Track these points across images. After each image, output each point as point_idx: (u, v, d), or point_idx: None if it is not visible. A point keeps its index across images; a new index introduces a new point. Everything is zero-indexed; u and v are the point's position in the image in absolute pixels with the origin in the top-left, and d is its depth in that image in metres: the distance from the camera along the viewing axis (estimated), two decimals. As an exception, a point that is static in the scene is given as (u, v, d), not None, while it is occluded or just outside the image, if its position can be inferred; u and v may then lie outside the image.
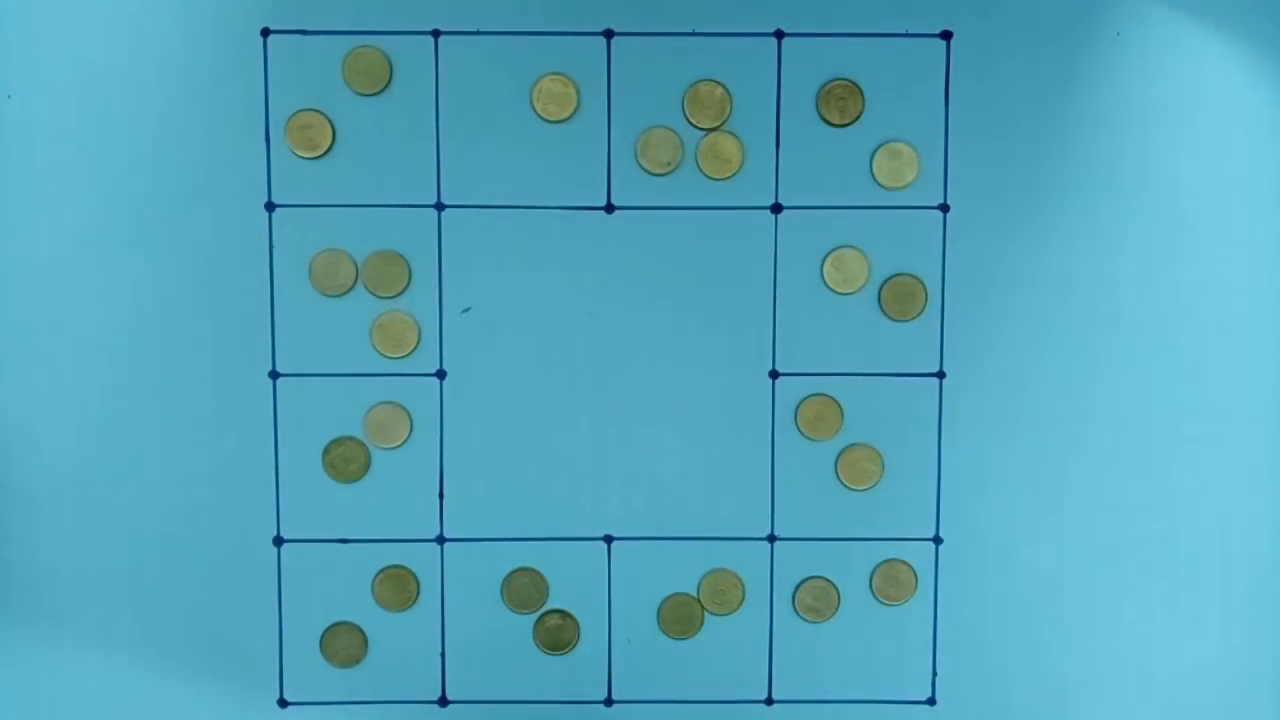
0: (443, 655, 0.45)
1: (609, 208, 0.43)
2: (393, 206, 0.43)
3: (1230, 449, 0.44)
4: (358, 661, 0.44)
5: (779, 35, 0.43)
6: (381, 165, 0.43)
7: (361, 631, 0.44)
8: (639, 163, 0.43)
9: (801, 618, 0.45)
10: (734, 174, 0.43)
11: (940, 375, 0.44)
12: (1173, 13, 0.43)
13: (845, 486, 0.44)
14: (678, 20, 0.43)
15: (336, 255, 0.43)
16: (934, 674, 0.45)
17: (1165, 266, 0.44)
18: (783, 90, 0.43)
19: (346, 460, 0.44)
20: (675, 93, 0.43)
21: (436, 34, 0.43)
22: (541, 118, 0.43)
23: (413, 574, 0.44)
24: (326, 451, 0.44)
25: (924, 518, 0.44)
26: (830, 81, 0.43)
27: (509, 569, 0.44)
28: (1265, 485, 0.44)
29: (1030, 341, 0.44)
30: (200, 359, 0.43)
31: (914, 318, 0.44)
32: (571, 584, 0.44)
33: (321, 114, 0.43)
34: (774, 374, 0.44)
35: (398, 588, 0.44)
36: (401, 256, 0.43)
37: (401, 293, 0.43)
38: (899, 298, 0.44)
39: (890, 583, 0.45)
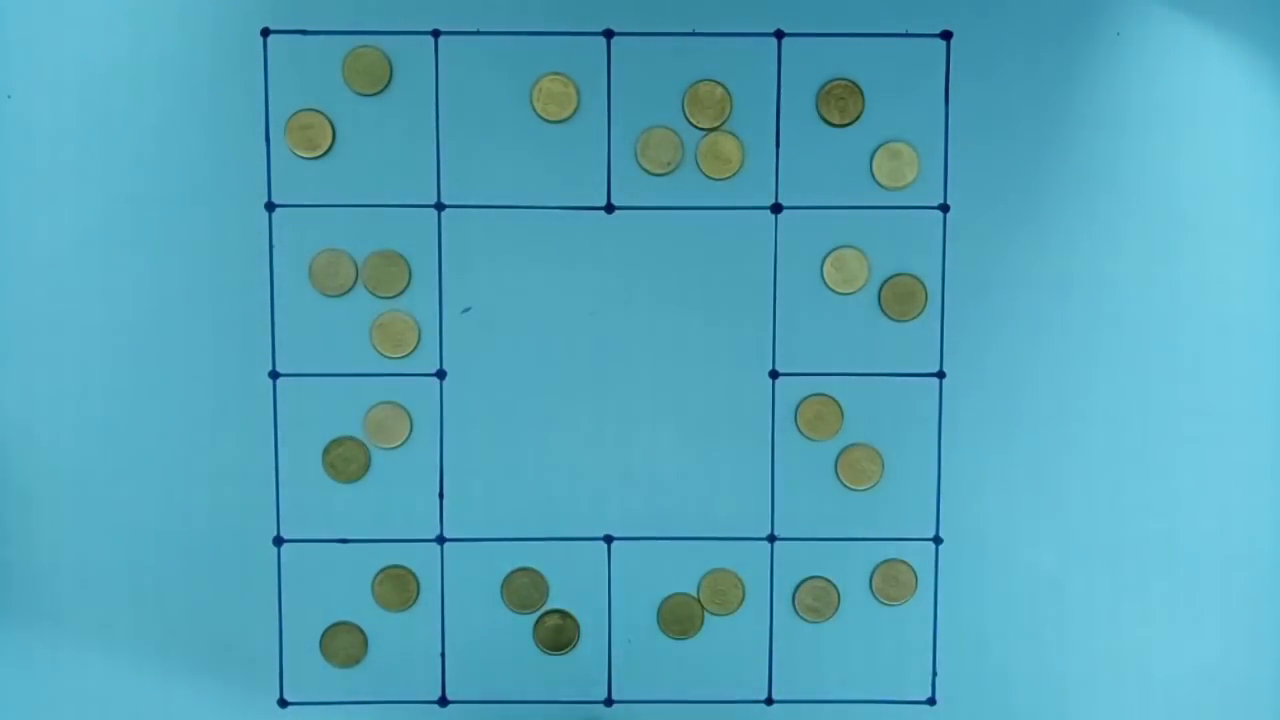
0: (443, 655, 0.45)
1: (609, 208, 0.43)
2: (393, 206, 0.43)
3: (1230, 449, 0.44)
4: (358, 661, 0.44)
5: (779, 35, 0.43)
6: (381, 165, 0.43)
7: (361, 631, 0.44)
8: (639, 163, 0.43)
9: (801, 618, 0.45)
10: (734, 174, 0.43)
11: (940, 375, 0.44)
12: (1173, 13, 0.43)
13: (845, 486, 0.44)
14: (678, 20, 0.43)
15: (336, 255, 0.43)
16: (934, 674, 0.45)
17: (1165, 266, 0.44)
18: (783, 90, 0.43)
19: (346, 460, 0.44)
20: (675, 93, 0.43)
21: (436, 34, 0.43)
22: (541, 118, 0.43)
23: (413, 574, 0.44)
24: (326, 451, 0.44)
25: (924, 518, 0.44)
26: (830, 81, 0.43)
27: (509, 569, 0.44)
28: (1265, 485, 0.44)
29: (1030, 341, 0.44)
30: (200, 359, 0.43)
31: (914, 318, 0.44)
32: (571, 584, 0.44)
33: (321, 114, 0.43)
34: (774, 374, 0.44)
35: (398, 588, 0.44)
36: (401, 256, 0.43)
37: (401, 293, 0.43)
38: (899, 298, 0.44)
39: (890, 583, 0.45)
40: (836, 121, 0.43)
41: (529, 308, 0.43)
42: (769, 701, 0.45)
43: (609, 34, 0.43)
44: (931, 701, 0.45)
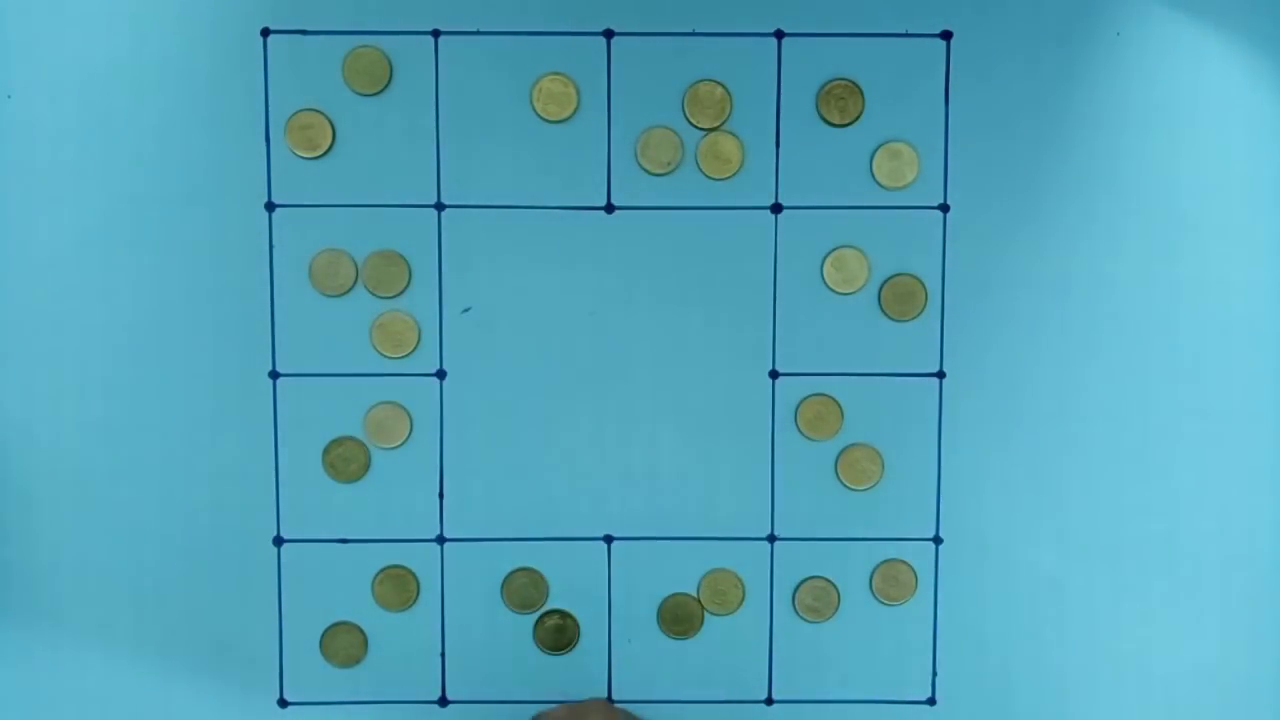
0: (443, 655, 0.45)
1: (609, 208, 0.43)
2: (393, 206, 0.43)
3: (1230, 449, 0.44)
4: (358, 661, 0.44)
5: (779, 35, 0.43)
6: (381, 165, 0.43)
7: (361, 631, 0.44)
8: (639, 163, 0.43)
9: (801, 618, 0.45)
10: (734, 174, 0.43)
11: (940, 375, 0.44)
12: (1173, 13, 0.43)
13: (845, 486, 0.44)
14: (678, 20, 0.43)
15: (336, 255, 0.43)
16: (934, 674, 0.45)
17: (1165, 266, 0.44)
18: (783, 90, 0.43)
19: (346, 460, 0.44)
20: (675, 93, 0.43)
21: (436, 34, 0.43)
22: (541, 118, 0.43)
23: (413, 574, 0.44)
24: (326, 451, 0.44)
25: (924, 518, 0.44)
26: (830, 81, 0.43)
27: (509, 569, 0.44)
28: (1265, 485, 0.44)
29: (1030, 341, 0.44)
30: (200, 359, 0.43)
31: (914, 318, 0.44)
32: (571, 584, 0.44)
33: (321, 114, 0.43)
34: (774, 374, 0.44)
35: (398, 588, 0.44)
36: (401, 256, 0.43)
37: (401, 293, 0.43)
38: (899, 298, 0.44)
39: (890, 583, 0.45)
40: (836, 121, 0.43)
41: (529, 308, 0.43)
42: (769, 701, 0.45)
43: (609, 34, 0.43)
44: (931, 701, 0.45)
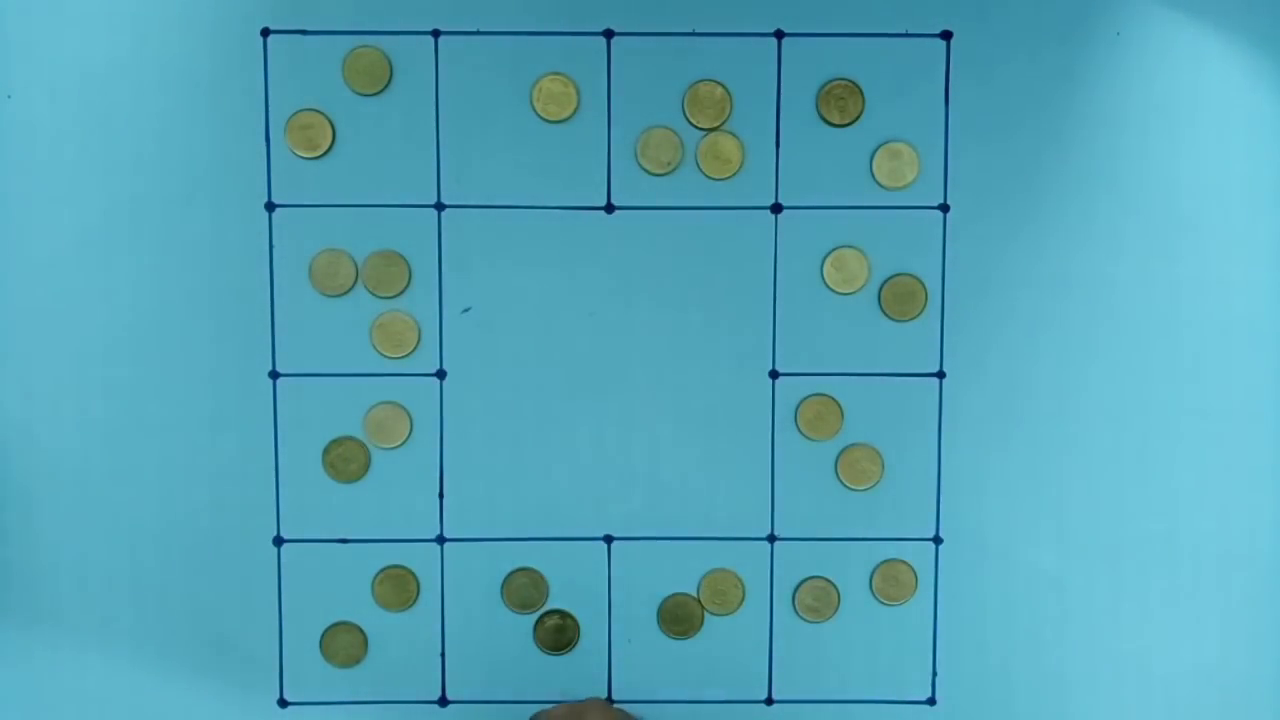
0: (443, 655, 0.45)
1: (609, 208, 0.43)
2: (393, 206, 0.43)
3: (1230, 449, 0.44)
4: (358, 661, 0.44)
5: (779, 35, 0.43)
6: (381, 165, 0.43)
7: (361, 631, 0.44)
8: (639, 163, 0.43)
9: (801, 618, 0.45)
10: (734, 174, 0.43)
11: (940, 375, 0.44)
12: (1173, 13, 0.43)
13: (845, 486, 0.44)
14: (678, 20, 0.43)
15: (336, 255, 0.43)
16: (934, 674, 0.45)
17: (1165, 266, 0.44)
18: (783, 90, 0.43)
19: (346, 460, 0.44)
20: (675, 93, 0.43)
21: (436, 34, 0.43)
22: (541, 118, 0.43)
23: (413, 574, 0.44)
24: (326, 451, 0.44)
25: (924, 518, 0.44)
26: (830, 81, 0.43)
27: (509, 569, 0.44)
28: (1265, 485, 0.44)
29: (1030, 341, 0.44)
30: (200, 359, 0.43)
31: (914, 318, 0.44)
32: (571, 584, 0.44)
33: (321, 114, 0.43)
34: (774, 374, 0.44)
35: (398, 588, 0.44)
36: (401, 256, 0.43)
37: (401, 293, 0.43)
38: (899, 298, 0.44)
39: (890, 583, 0.45)
40: (836, 121, 0.43)
41: (529, 308, 0.43)
42: (769, 701, 0.45)
43: (609, 34, 0.43)
44: (931, 701, 0.45)
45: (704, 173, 0.43)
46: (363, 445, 0.44)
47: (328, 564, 0.44)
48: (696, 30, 0.43)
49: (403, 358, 0.43)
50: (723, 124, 0.43)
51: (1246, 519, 0.44)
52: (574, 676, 0.45)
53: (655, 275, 0.43)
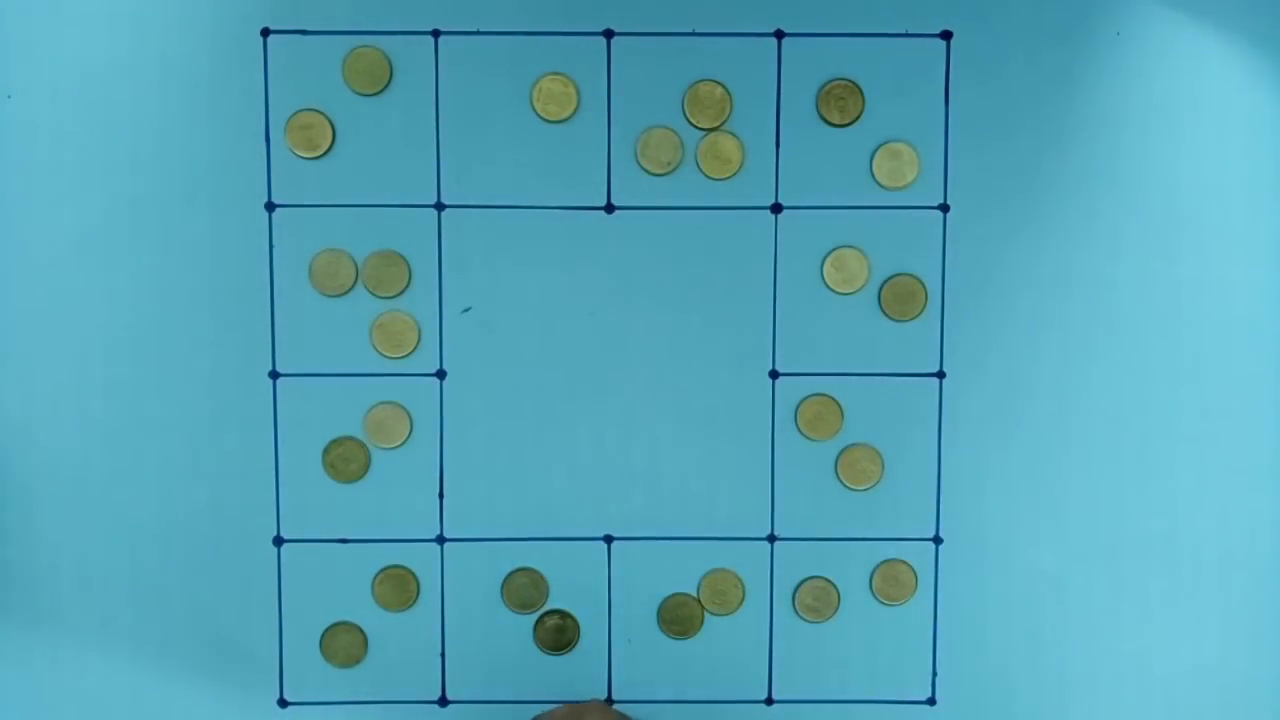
0: (443, 655, 0.45)
1: (609, 208, 0.43)
2: (393, 206, 0.43)
3: (1230, 449, 0.44)
4: (358, 661, 0.44)
5: (779, 35, 0.43)
6: (381, 165, 0.43)
7: (361, 631, 0.44)
8: (639, 163, 0.43)
9: (801, 618, 0.45)
10: (734, 174, 0.43)
11: (940, 375, 0.44)
12: (1173, 13, 0.43)
13: (845, 486, 0.44)
14: (678, 20, 0.43)
15: (336, 255, 0.43)
16: (934, 674, 0.45)
17: (1165, 266, 0.44)
18: (783, 90, 0.43)
19: (346, 460, 0.44)
20: (675, 93, 0.43)
21: (436, 34, 0.43)
22: (541, 118, 0.43)
23: (413, 574, 0.44)
24: (326, 451, 0.44)
25: (924, 518, 0.44)
26: (830, 81, 0.43)
27: (509, 569, 0.44)
28: (1265, 485, 0.44)
29: (1030, 341, 0.44)
30: (200, 359, 0.43)
31: (914, 318, 0.44)
32: (571, 584, 0.44)
33: (321, 114, 0.43)
34: (774, 374, 0.44)
35: (398, 588, 0.44)
36: (401, 256, 0.43)
37: (401, 293, 0.43)
38: (899, 298, 0.44)
39: (890, 583, 0.45)
40: (836, 121, 0.43)
41: (529, 308, 0.43)
42: (769, 701, 0.45)
43: (609, 34, 0.43)
44: (931, 701, 0.45)
45: (704, 173, 0.43)
46: (363, 445, 0.44)
47: (328, 564, 0.44)
48: (696, 30, 0.43)
49: (403, 358, 0.43)
50: (723, 124, 0.43)
51: (1246, 519, 0.44)
52: (574, 676, 0.45)
53: (655, 275, 0.43)
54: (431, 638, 0.44)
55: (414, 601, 0.44)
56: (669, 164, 0.43)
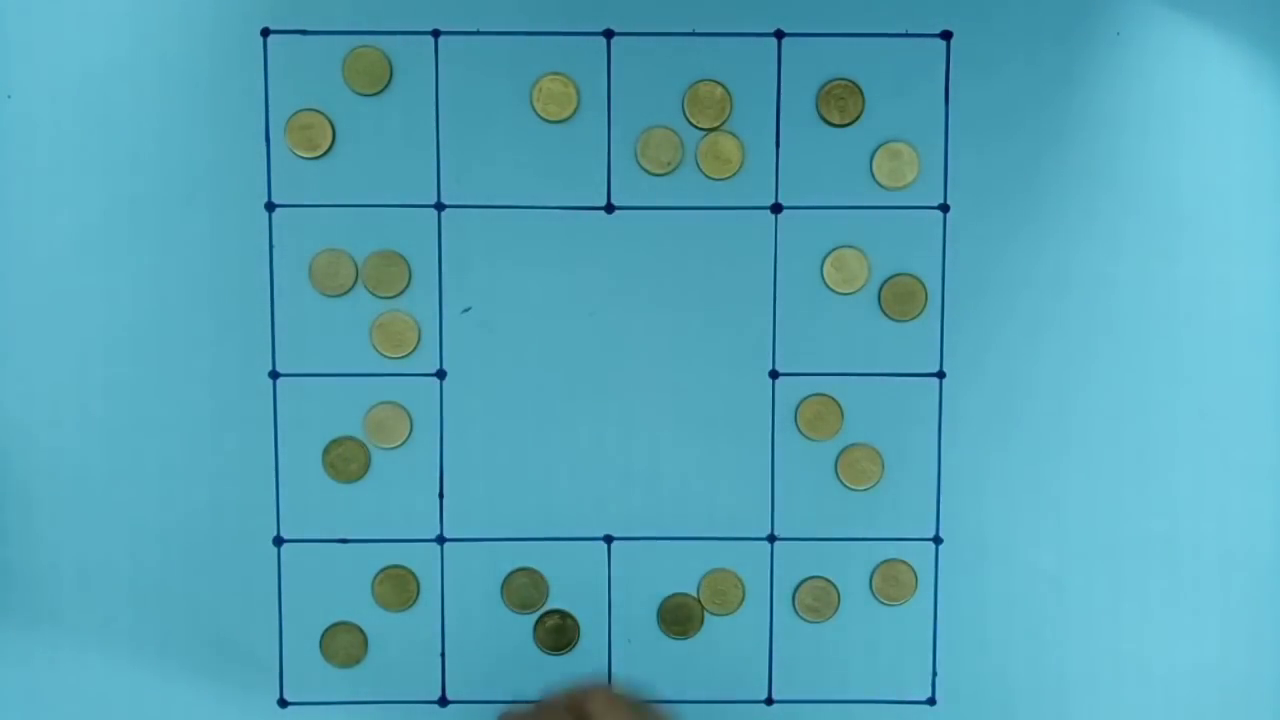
0: (443, 655, 0.45)
1: (609, 208, 0.43)
2: (393, 206, 0.43)
3: (1230, 449, 0.44)
4: (358, 661, 0.44)
5: (779, 35, 0.43)
6: (381, 165, 0.43)
7: (361, 631, 0.44)
8: (639, 163, 0.43)
9: (801, 618, 0.45)
10: (734, 174, 0.43)
11: (940, 375, 0.44)
12: (1173, 13, 0.43)
13: (845, 486, 0.44)
14: (678, 20, 0.43)
15: (336, 255, 0.43)
16: (934, 674, 0.45)
17: (1164, 266, 0.44)
18: (783, 90, 0.43)
19: (346, 460, 0.44)
20: (675, 93, 0.43)
21: (436, 34, 0.43)
22: (541, 118, 0.43)
23: (413, 574, 0.44)
24: (326, 451, 0.44)
25: (924, 518, 0.44)
26: (830, 81, 0.43)
27: (509, 569, 0.44)
28: (1265, 485, 0.44)
29: (1030, 341, 0.44)
30: (200, 359, 0.43)
31: (914, 318, 0.44)
32: (571, 584, 0.44)
33: (321, 114, 0.43)
34: (774, 374, 0.44)
35: (398, 588, 0.44)
36: (401, 256, 0.43)
37: (401, 293, 0.43)
38: (899, 298, 0.44)
39: (890, 583, 0.45)
40: (836, 121, 0.43)
41: (529, 308, 0.43)
42: (769, 701, 0.45)
43: (609, 34, 0.43)
44: (931, 701, 0.45)
45: (704, 173, 0.43)
46: (363, 445, 0.44)
47: (328, 564, 0.44)
48: (696, 30, 0.43)
49: (403, 358, 0.43)
50: (723, 124, 0.43)
51: (1246, 519, 0.44)
52: (574, 676, 0.45)
53: (655, 275, 0.43)
54: (431, 638, 0.44)
55: (414, 601, 0.44)
56: (669, 164, 0.43)
